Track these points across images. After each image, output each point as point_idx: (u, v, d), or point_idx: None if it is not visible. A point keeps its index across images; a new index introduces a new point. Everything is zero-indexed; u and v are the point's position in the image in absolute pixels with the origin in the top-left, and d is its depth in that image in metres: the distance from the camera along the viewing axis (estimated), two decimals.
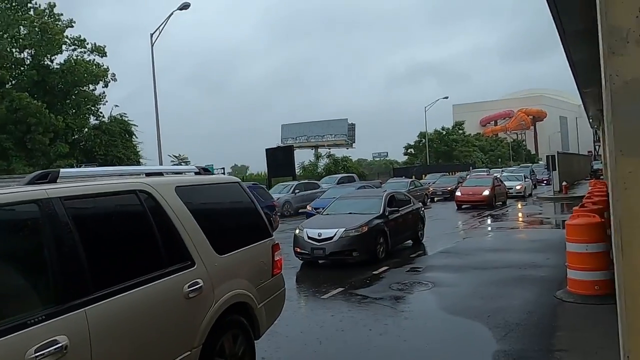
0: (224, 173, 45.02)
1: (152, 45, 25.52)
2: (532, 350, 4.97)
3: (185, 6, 24.61)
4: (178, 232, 3.65)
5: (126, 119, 31.80)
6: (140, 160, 32.21)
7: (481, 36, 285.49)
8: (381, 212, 10.48)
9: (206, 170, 4.79)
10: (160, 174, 4.10)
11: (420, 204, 13.45)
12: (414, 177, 37.42)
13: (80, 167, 25.58)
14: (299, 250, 9.99)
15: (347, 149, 58.75)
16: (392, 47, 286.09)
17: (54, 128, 26.57)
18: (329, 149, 55.78)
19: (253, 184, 15.36)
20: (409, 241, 12.09)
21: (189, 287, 3.54)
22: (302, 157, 52.57)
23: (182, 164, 35.79)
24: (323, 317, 6.58)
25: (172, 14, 24.79)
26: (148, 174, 3.95)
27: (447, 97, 58.57)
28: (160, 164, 26.13)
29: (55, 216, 2.79)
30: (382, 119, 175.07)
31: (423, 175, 40.40)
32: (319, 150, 55.13)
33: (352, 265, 9.52)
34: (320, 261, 9.97)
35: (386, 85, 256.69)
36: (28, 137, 25.82)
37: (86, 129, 30.43)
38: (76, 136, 29.67)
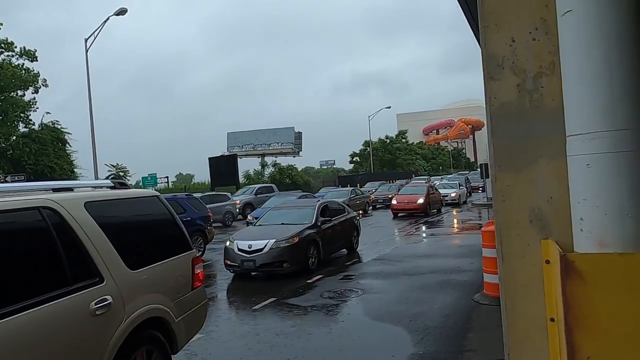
0: (167, 182, 44.02)
1: (87, 51, 24.66)
2: (445, 352, 5.26)
3: (121, 12, 23.98)
4: (85, 248, 3.60)
5: (59, 126, 30.44)
6: (75, 170, 30.89)
7: (422, 48, 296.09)
8: (313, 222, 10.62)
9: (123, 185, 4.73)
10: (70, 189, 4.03)
11: (355, 213, 13.73)
12: (358, 185, 38.04)
13: (6, 177, 24.13)
14: (229, 262, 9.92)
15: (294, 157, 58.96)
16: (337, 57, 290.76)
17: None
18: (276, 157, 55.71)
19: (187, 194, 15.06)
20: (345, 250, 12.33)
21: (96, 303, 3.50)
22: (249, 165, 52.23)
23: (120, 173, 34.58)
24: (249, 328, 6.62)
25: (107, 19, 24.07)
26: (56, 190, 3.87)
27: (389, 107, 60.48)
28: (96, 173, 25.16)
29: None
30: (329, 128, 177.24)
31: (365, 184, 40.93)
32: (265, 158, 54.97)
33: (286, 275, 9.60)
34: (252, 273, 9.96)
35: (332, 94, 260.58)
36: None
37: (14, 137, 28.79)
38: (3, 145, 28.00)
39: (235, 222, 22.70)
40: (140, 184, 35.98)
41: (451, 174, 58.64)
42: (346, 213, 12.53)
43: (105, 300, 3.58)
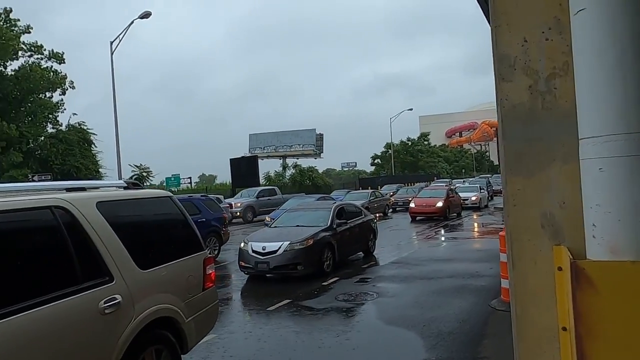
0: (190, 183, 44.60)
1: (112, 54, 25.18)
2: (458, 359, 5.16)
3: (146, 15, 24.42)
4: (96, 247, 3.64)
5: (85, 127, 31.09)
6: (100, 170, 31.54)
7: (445, 50, 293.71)
8: (329, 224, 10.56)
9: (136, 185, 4.79)
10: (82, 189, 4.09)
11: (372, 215, 13.59)
12: (379, 187, 37.79)
13: (33, 177, 24.79)
14: (243, 264, 9.92)
15: (315, 158, 59.07)
16: (358, 60, 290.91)
17: (6, 136, 25.71)
18: (297, 158, 55.87)
19: (202, 195, 15.07)
20: (361, 253, 12.26)
21: (105, 302, 3.53)
22: (271, 166, 52.51)
23: (144, 174, 35.16)
24: (262, 329, 6.61)
25: (132, 22, 24.55)
26: (69, 190, 3.93)
27: (411, 109, 60.14)
28: (119, 173, 25.65)
29: None
30: (351, 130, 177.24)
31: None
32: (287, 160, 55.15)
33: (301, 277, 9.57)
34: (267, 275, 9.94)
35: (353, 96, 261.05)
36: None
37: (42, 138, 29.55)
38: (31, 145, 28.78)
39: (229, 227, 22.11)
40: (164, 184, 36.56)
41: (474, 176, 57.75)
42: (363, 215, 12.44)
43: (115, 299, 3.61)
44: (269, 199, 26.40)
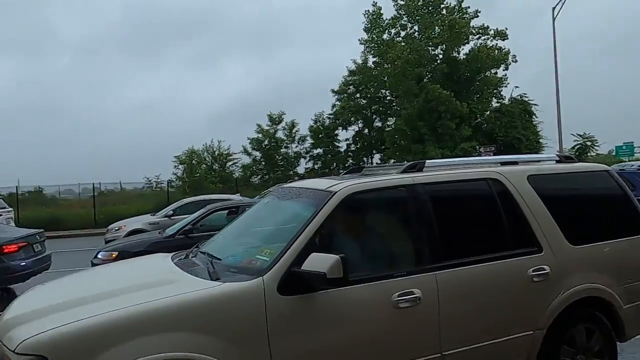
0: None
1: (554, 20, 24.53)
2: None
3: None
4: (526, 218, 3.86)
5: (526, 99, 31.71)
6: (540, 140, 31.58)
7: None
8: None
9: (569, 159, 4.68)
10: (515, 163, 4.38)
11: None
12: None
13: (479, 149, 27.51)
14: None
15: None
16: None
17: (459, 114, 29.54)
18: None
19: (639, 168, 12.12)
20: None
21: (533, 271, 3.73)
22: None
23: (588, 143, 32.72)
24: None
25: None
26: (503, 163, 4.31)
27: None
28: (560, 144, 25.05)
29: (417, 198, 3.62)
30: None
31: None
32: None
33: None
34: None
35: None
36: (439, 123, 29.74)
37: (487, 112, 32.22)
38: (478, 120, 31.89)
39: None
40: (613, 153, 33.06)
41: None
42: None
43: (543, 269, 3.76)
44: None
